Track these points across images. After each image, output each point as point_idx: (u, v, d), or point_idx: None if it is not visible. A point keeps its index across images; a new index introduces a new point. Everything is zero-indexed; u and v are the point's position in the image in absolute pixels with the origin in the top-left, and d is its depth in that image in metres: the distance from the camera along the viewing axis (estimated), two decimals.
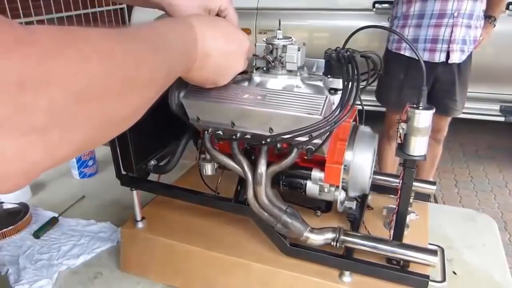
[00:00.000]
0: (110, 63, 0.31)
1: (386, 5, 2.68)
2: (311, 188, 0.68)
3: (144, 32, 0.40)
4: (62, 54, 0.27)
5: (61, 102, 0.27)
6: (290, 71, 0.65)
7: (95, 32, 0.31)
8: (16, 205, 0.98)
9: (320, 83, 0.64)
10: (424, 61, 0.59)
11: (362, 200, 0.79)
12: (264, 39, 0.66)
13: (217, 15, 0.62)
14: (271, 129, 0.60)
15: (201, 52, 0.50)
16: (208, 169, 0.72)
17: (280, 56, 0.65)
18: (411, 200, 0.78)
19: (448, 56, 1.88)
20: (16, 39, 0.25)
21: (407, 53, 1.92)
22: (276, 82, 0.65)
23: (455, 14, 1.80)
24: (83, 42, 0.30)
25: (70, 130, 0.29)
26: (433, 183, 0.83)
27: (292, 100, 0.59)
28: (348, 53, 0.60)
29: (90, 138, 0.32)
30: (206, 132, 0.65)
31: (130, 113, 0.36)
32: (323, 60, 0.63)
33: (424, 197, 0.86)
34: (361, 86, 0.59)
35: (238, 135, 0.63)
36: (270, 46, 0.65)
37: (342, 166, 0.64)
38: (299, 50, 0.63)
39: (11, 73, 0.24)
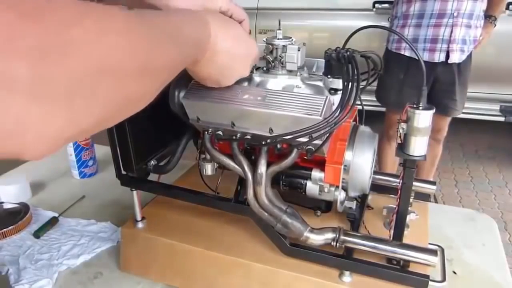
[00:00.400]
0: (125, 40, 0.32)
1: (386, 5, 2.68)
2: (311, 188, 0.68)
3: (161, 20, 0.41)
4: (81, 24, 0.28)
5: (80, 71, 0.28)
6: (290, 71, 0.65)
7: (114, 8, 0.32)
8: (16, 205, 0.98)
9: (320, 83, 0.64)
10: (424, 61, 0.59)
11: (362, 200, 0.79)
12: (264, 39, 0.66)
13: None
14: (271, 130, 0.60)
15: (212, 48, 0.51)
16: (208, 169, 0.72)
17: (280, 56, 0.64)
18: (411, 200, 0.78)
19: (448, 56, 1.87)
20: (35, 7, 0.25)
21: (407, 53, 1.92)
22: (276, 82, 0.65)
23: (455, 14, 1.80)
24: (102, 15, 0.30)
25: (90, 100, 0.30)
26: (433, 183, 0.83)
27: (292, 101, 0.59)
28: (348, 53, 0.60)
29: (108, 113, 0.33)
30: (206, 132, 0.65)
31: (144, 94, 0.37)
32: (323, 60, 0.63)
33: (424, 197, 0.86)
34: (361, 86, 0.59)
35: (238, 135, 0.63)
36: (270, 46, 0.65)
37: (342, 166, 0.64)
38: (299, 50, 0.63)
39: (31, 39, 0.24)
